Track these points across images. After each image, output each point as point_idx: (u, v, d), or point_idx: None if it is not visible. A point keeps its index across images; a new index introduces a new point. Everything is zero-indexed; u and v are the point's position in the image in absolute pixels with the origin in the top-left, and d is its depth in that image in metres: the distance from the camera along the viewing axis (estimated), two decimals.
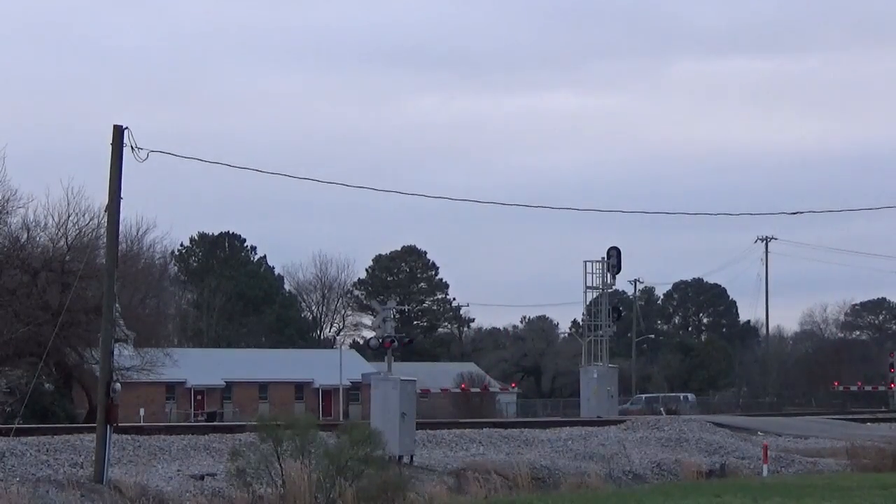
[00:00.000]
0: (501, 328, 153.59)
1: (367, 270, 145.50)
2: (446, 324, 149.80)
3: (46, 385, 65.05)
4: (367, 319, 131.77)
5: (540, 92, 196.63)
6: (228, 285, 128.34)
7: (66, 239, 64.24)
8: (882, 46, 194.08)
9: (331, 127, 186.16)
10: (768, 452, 44.12)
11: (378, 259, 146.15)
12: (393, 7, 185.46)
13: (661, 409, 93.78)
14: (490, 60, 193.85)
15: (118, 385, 36.21)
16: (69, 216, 64.10)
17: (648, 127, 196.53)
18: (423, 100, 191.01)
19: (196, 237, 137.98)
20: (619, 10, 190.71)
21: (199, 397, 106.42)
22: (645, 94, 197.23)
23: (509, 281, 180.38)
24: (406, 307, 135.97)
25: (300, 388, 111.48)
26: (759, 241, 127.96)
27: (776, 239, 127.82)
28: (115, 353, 40.88)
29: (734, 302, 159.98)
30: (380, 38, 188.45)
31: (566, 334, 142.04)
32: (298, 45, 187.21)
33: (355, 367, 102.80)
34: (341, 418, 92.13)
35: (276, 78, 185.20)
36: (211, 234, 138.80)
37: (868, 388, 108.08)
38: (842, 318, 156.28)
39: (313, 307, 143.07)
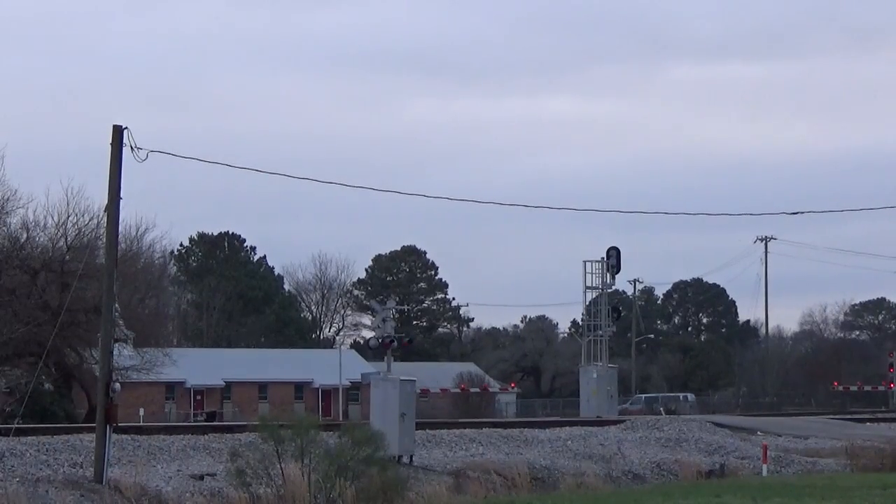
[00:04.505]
0: (501, 328, 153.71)
1: (366, 270, 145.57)
2: (446, 324, 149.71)
3: (46, 385, 65.03)
4: (367, 319, 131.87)
5: (539, 96, 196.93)
6: (228, 285, 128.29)
7: (66, 239, 64.21)
8: (877, 50, 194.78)
9: (331, 128, 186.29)
10: (768, 452, 44.15)
11: (378, 259, 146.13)
12: (393, 12, 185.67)
13: (661, 409, 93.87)
14: (489, 65, 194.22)
15: (118, 385, 36.22)
16: (69, 216, 64.16)
17: (648, 129, 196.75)
18: (423, 103, 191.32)
19: (196, 237, 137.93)
20: (617, 16, 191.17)
21: (198, 397, 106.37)
22: (643, 98, 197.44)
23: (509, 281, 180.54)
24: (406, 307, 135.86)
25: (300, 388, 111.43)
26: (759, 241, 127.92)
27: (776, 239, 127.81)
28: (114, 353, 40.87)
29: (734, 302, 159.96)
30: (380, 42, 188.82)
31: (566, 334, 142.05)
32: (299, 49, 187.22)
33: (355, 367, 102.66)
34: (341, 418, 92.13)
35: (278, 80, 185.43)
36: (211, 234, 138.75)
37: (868, 388, 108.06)
38: (842, 318, 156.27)
39: (313, 307, 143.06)
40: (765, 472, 42.44)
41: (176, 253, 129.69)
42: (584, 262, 77.21)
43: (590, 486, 39.30)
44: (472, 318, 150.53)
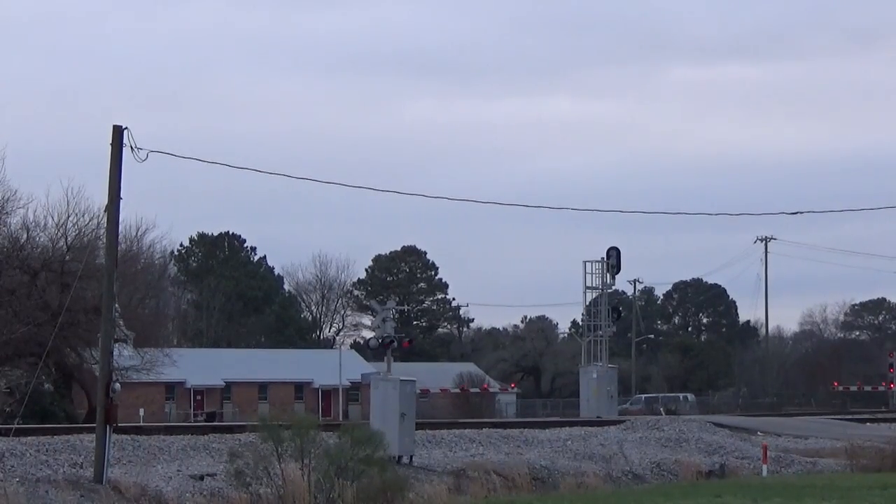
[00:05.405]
0: (501, 328, 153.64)
1: (366, 270, 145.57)
2: (446, 324, 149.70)
3: (46, 385, 65.01)
4: (367, 319, 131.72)
5: (539, 96, 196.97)
6: (228, 285, 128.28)
7: (66, 239, 64.19)
8: (877, 51, 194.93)
9: (331, 128, 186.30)
10: (768, 452, 44.14)
11: (378, 259, 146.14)
12: (393, 13, 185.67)
13: (661, 409, 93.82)
14: (489, 65, 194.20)
15: (118, 385, 36.23)
16: (69, 216, 64.12)
17: (647, 130, 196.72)
18: (423, 103, 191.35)
19: (196, 237, 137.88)
20: (617, 17, 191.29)
21: (198, 397, 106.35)
22: (643, 99, 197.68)
23: (509, 281, 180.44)
24: (406, 307, 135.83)
25: (300, 389, 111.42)
26: (759, 241, 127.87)
27: (776, 239, 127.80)
28: (114, 353, 40.88)
29: (734, 302, 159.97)
30: (380, 42, 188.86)
31: (566, 334, 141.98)
32: (299, 50, 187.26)
33: (355, 368, 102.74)
34: (341, 418, 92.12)
35: (277, 81, 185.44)
36: (211, 234, 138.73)
37: (868, 388, 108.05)
38: (841, 318, 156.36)
39: (313, 307, 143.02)
40: (765, 473, 42.43)
41: (176, 253, 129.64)
42: (584, 262, 77.26)
43: (590, 487, 39.32)
44: (472, 319, 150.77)
